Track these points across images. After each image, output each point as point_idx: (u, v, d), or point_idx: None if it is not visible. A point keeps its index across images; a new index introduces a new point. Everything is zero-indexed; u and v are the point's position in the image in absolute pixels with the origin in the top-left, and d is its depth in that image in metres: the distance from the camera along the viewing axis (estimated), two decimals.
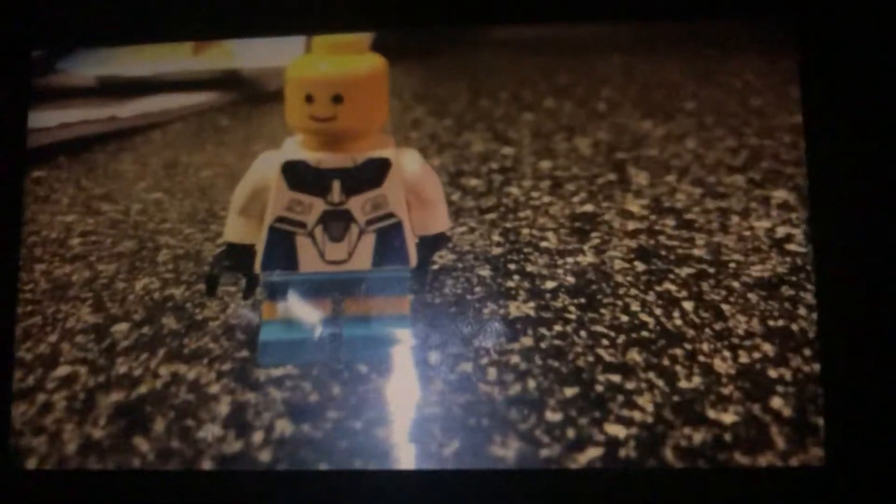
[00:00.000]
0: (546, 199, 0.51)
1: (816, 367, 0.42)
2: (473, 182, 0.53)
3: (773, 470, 0.40)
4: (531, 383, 0.43)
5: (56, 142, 0.56)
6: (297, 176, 0.42)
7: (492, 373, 0.43)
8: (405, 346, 0.44)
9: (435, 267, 0.47)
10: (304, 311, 0.44)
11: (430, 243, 0.45)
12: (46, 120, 0.54)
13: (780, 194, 0.49)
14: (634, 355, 0.43)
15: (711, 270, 0.46)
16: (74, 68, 0.56)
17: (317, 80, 0.41)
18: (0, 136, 0.51)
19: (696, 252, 0.47)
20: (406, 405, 0.43)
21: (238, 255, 0.44)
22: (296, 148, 0.42)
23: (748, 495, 0.41)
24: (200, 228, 0.51)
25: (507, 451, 0.41)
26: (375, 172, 0.42)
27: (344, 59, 0.41)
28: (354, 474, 0.42)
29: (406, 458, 0.42)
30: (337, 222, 0.42)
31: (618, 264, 0.47)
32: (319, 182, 0.42)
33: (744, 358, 0.43)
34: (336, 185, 0.42)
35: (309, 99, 0.41)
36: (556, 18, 0.54)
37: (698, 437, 0.41)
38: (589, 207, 0.50)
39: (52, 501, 0.44)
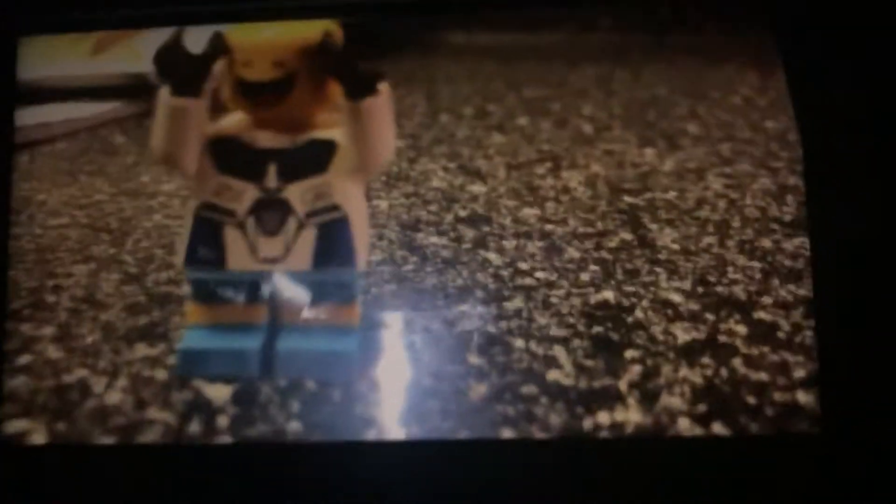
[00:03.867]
0: (541, 275, 0.42)
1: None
2: (433, 241, 0.45)
3: (767, 438, 0.38)
4: None
5: None
6: (228, 155, 0.36)
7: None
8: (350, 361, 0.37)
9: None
10: (234, 316, 0.37)
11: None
12: None
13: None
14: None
15: None
16: None
17: (256, 44, 0.36)
18: None
19: None
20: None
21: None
22: (231, 122, 0.37)
23: (743, 463, 0.38)
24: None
25: None
26: (319, 156, 0.36)
27: (291, 25, 0.37)
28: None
29: None
30: (272, 212, 0.36)
31: None
32: (253, 164, 0.36)
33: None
34: (272, 169, 0.36)
35: (246, 64, 0.35)
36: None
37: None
38: (609, 295, 0.41)
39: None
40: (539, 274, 0.42)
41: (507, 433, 0.36)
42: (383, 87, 0.36)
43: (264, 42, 0.36)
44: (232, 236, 0.36)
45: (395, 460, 0.38)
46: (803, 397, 0.38)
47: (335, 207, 0.36)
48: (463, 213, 0.46)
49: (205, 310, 0.37)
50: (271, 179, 0.36)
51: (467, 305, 0.40)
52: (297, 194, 0.36)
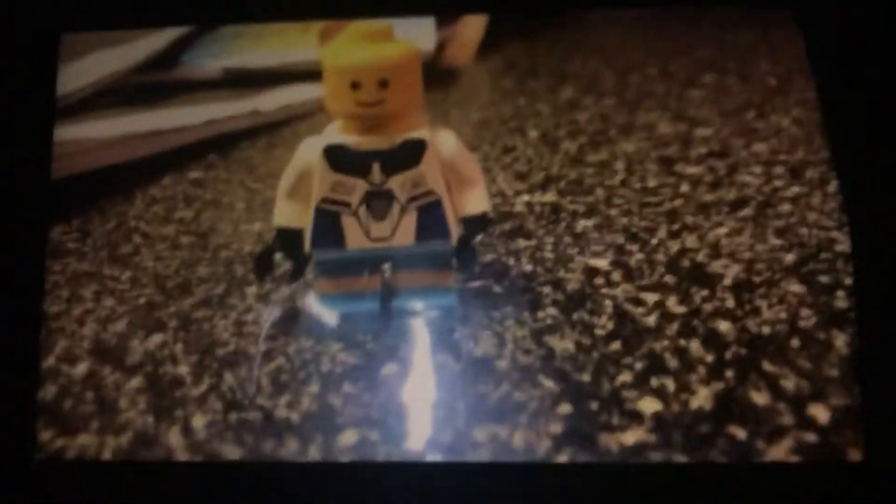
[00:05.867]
0: None
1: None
2: None
3: (809, 466, 0.39)
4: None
5: (203, 139, 0.58)
6: (339, 159, 0.44)
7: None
8: (450, 319, 0.46)
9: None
10: (355, 286, 0.46)
11: (473, 225, 0.46)
12: (183, 118, 0.56)
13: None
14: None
15: None
16: (198, 60, 0.58)
17: (362, 66, 0.43)
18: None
19: None
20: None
21: (287, 239, 0.46)
22: (336, 133, 0.45)
23: (781, 492, 0.40)
24: None
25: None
26: (413, 152, 0.44)
27: (382, 46, 0.44)
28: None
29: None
30: (379, 201, 0.44)
31: None
32: (360, 164, 0.44)
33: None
34: (376, 167, 0.44)
35: (355, 86, 0.43)
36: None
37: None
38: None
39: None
40: None
41: None
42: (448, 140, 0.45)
43: (371, 63, 0.43)
44: (348, 222, 0.45)
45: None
46: (846, 423, 0.39)
47: (430, 192, 0.44)
48: None
49: (331, 283, 0.46)
50: (376, 175, 0.44)
51: None
52: (398, 185, 0.44)
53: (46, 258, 0.51)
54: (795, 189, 0.52)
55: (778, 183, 0.53)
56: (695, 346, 0.43)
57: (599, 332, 0.44)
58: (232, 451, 0.42)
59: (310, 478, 0.43)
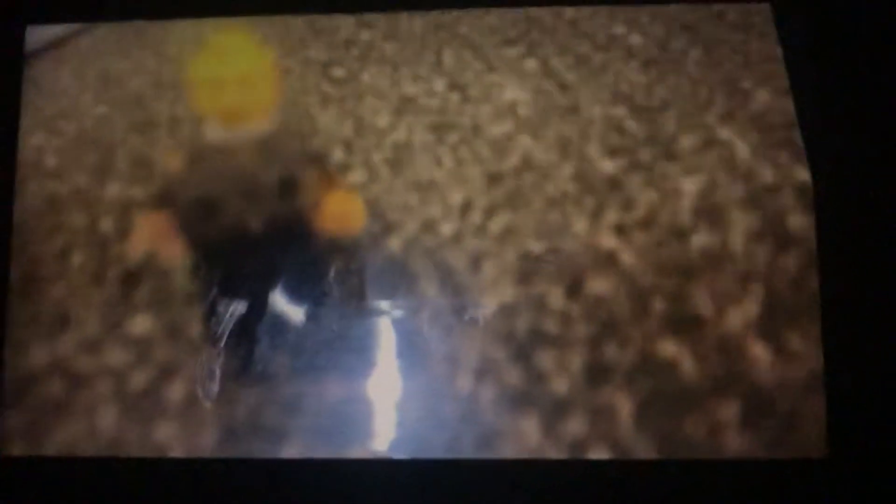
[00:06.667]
0: None
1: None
2: None
3: (773, 462, 0.39)
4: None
5: None
6: None
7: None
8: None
9: None
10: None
11: None
12: None
13: None
14: None
15: None
16: None
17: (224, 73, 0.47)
18: None
19: None
20: None
21: None
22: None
23: (742, 489, 0.40)
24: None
25: None
26: None
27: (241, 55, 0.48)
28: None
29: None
30: None
31: None
32: None
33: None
34: None
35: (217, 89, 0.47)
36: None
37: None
38: None
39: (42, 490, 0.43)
40: None
41: None
42: None
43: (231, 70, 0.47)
44: None
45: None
46: (808, 417, 0.39)
47: None
48: None
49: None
50: None
51: None
52: None
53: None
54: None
55: None
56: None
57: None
58: (194, 451, 0.41)
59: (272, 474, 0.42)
